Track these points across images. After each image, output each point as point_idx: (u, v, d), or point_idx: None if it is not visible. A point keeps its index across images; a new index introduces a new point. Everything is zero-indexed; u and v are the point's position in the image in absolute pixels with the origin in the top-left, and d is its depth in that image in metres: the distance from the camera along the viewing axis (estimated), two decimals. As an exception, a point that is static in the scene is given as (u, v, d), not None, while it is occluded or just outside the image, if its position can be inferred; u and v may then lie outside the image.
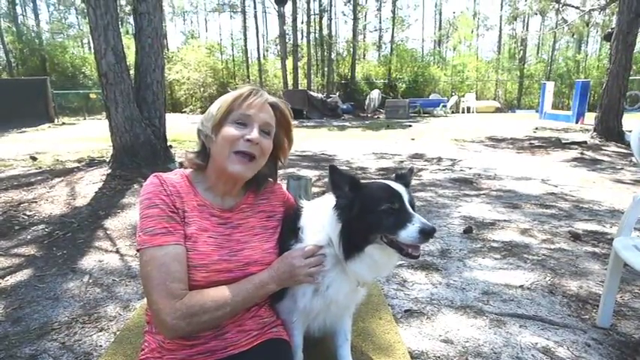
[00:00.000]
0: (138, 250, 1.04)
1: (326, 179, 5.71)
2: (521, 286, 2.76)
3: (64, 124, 16.60)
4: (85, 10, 6.28)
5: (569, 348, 2.09)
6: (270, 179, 1.30)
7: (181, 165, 1.22)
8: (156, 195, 1.06)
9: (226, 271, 1.09)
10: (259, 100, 1.13)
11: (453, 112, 21.37)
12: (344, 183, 1.11)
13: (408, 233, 1.01)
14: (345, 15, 32.63)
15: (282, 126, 1.21)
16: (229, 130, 1.09)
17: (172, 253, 1.02)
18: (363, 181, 1.16)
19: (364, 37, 34.54)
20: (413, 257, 1.06)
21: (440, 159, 7.81)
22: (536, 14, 24.18)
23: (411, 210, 1.06)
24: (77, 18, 32.98)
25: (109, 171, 6.02)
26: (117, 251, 3.49)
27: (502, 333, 2.23)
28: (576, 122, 13.83)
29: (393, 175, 1.24)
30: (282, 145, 1.24)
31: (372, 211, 1.05)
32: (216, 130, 1.11)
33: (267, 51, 36.37)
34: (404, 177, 1.20)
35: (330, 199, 1.15)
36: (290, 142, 1.27)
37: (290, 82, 25.01)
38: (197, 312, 0.99)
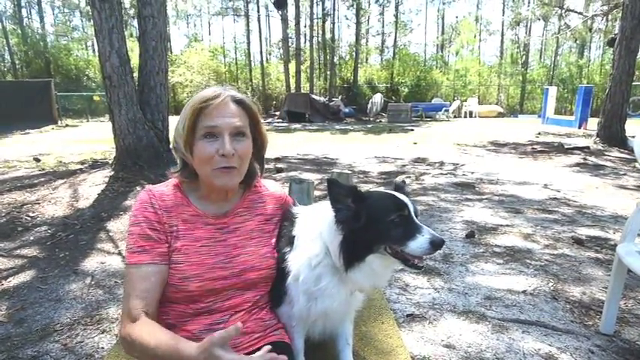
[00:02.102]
0: None
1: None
2: (523, 292, 2.75)
3: (67, 125, 16.70)
4: (90, 13, 6.33)
5: (572, 354, 2.08)
6: (257, 171, 1.25)
7: None
8: (141, 212, 1.08)
9: (221, 278, 1.09)
10: (219, 103, 1.05)
11: (455, 117, 21.37)
12: (345, 195, 1.08)
13: (417, 244, 1.00)
14: (347, 19, 32.73)
15: (252, 122, 1.13)
16: (201, 149, 1.04)
17: (142, 272, 1.03)
18: (364, 189, 1.15)
19: (367, 41, 34.65)
20: (418, 268, 1.06)
21: (442, 163, 7.80)
22: (539, 19, 24.21)
23: (417, 221, 1.05)
24: (82, 21, 33.22)
25: (112, 173, 6.04)
26: (119, 253, 3.50)
27: (505, 339, 2.22)
28: (579, 127, 13.80)
29: (394, 184, 1.24)
30: (256, 142, 1.16)
31: (379, 222, 1.04)
32: (188, 147, 1.07)
33: (270, 54, 36.53)
34: (402, 188, 1.19)
35: (326, 208, 1.13)
36: (262, 137, 1.18)
37: (292, 85, 25.07)
38: (131, 344, 0.98)
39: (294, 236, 1.18)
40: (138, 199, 1.10)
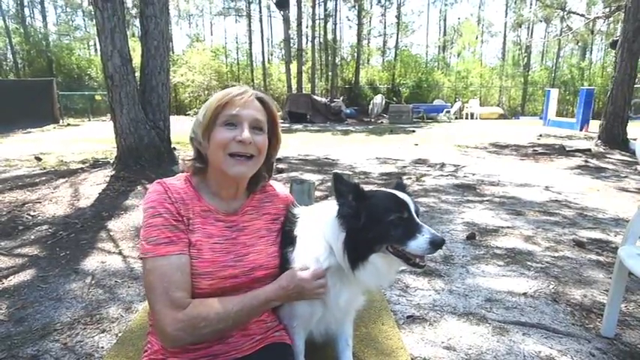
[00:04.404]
0: (140, 258, 1.03)
1: (329, 183, 5.71)
2: (524, 294, 2.74)
3: (69, 125, 16.73)
4: (92, 13, 6.34)
5: (573, 357, 2.07)
6: (266, 176, 1.25)
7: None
8: (160, 203, 1.05)
9: (231, 277, 1.08)
10: (244, 97, 1.09)
11: (456, 118, 21.36)
12: (348, 192, 1.09)
13: (417, 244, 1.01)
14: (349, 20, 32.69)
15: (270, 121, 1.17)
16: (219, 134, 1.07)
17: (175, 263, 1.00)
18: (366, 188, 1.15)
19: (368, 42, 34.57)
20: (419, 267, 1.07)
21: (443, 165, 7.80)
22: (541, 21, 24.21)
23: (418, 220, 1.06)
24: (84, 20, 33.30)
25: (113, 172, 6.05)
26: (120, 253, 3.50)
27: (505, 341, 2.22)
28: (580, 130, 13.79)
29: (395, 183, 1.23)
30: (270, 141, 1.18)
31: (379, 222, 1.04)
32: (206, 135, 1.09)
33: (271, 55, 36.48)
34: (404, 186, 1.20)
35: (329, 206, 1.14)
36: (277, 138, 1.21)
37: (294, 86, 25.05)
38: (199, 324, 0.97)
39: (295, 236, 1.18)
40: (152, 192, 1.07)
